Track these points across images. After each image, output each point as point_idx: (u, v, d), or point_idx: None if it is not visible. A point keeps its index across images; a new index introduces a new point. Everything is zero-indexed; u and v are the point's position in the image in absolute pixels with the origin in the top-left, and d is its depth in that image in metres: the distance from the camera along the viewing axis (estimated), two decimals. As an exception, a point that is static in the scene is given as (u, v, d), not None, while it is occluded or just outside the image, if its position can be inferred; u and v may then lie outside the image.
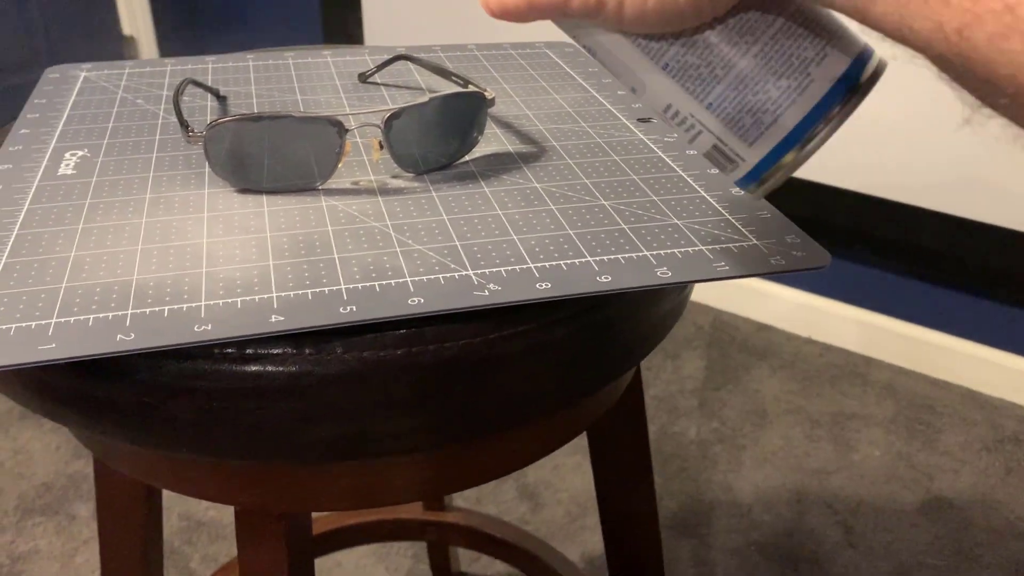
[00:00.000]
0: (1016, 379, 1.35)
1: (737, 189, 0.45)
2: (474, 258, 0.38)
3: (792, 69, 0.32)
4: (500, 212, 0.42)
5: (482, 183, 0.45)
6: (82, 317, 0.34)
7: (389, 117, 0.43)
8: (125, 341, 0.32)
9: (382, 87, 0.58)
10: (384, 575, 1.05)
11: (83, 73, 0.59)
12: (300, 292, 0.36)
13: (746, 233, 0.41)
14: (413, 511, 0.92)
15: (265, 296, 0.35)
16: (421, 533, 0.92)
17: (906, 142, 1.29)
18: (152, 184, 0.44)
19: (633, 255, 0.39)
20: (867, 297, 1.46)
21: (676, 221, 0.42)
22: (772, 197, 0.82)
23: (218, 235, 0.40)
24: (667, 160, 0.48)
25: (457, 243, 0.39)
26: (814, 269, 0.38)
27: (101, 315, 0.34)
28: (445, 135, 0.46)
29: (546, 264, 0.38)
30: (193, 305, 0.35)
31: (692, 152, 0.49)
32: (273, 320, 0.34)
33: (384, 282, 0.36)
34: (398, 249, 0.39)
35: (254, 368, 0.34)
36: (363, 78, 0.59)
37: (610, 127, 0.53)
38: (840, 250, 1.44)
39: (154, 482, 0.43)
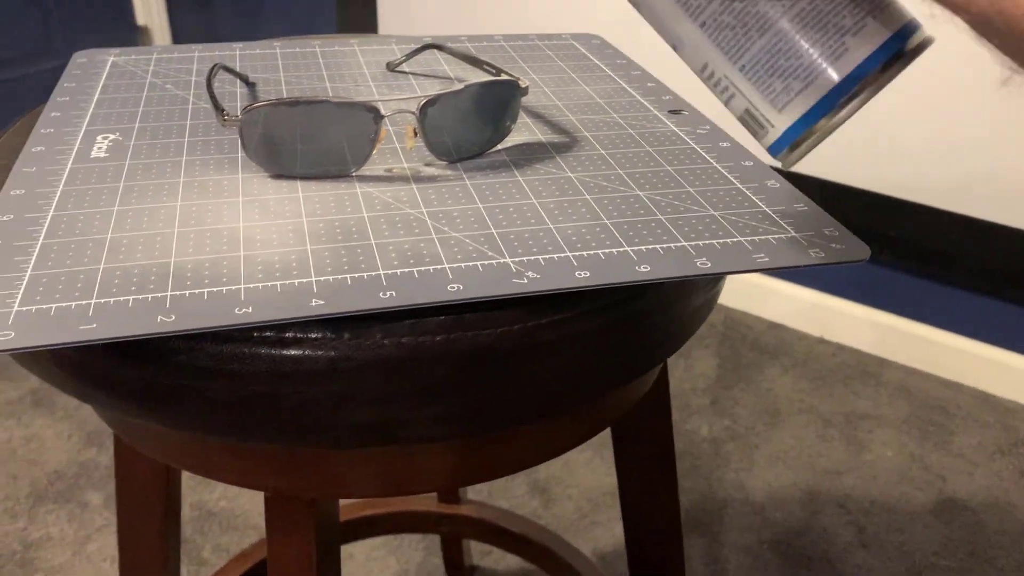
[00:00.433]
0: (1030, 382, 1.34)
1: (773, 181, 0.45)
2: (511, 246, 0.38)
3: (827, 37, 0.31)
4: (535, 201, 0.42)
5: (516, 172, 0.45)
6: (122, 298, 0.34)
7: (424, 104, 0.43)
8: (166, 323, 0.32)
9: (411, 76, 0.58)
10: (396, 567, 1.04)
11: (111, 58, 0.59)
12: (339, 277, 0.35)
13: (784, 225, 0.41)
14: (427, 503, 0.92)
15: (304, 280, 0.35)
16: (436, 526, 0.92)
17: (922, 142, 1.29)
18: (185, 168, 0.44)
19: (671, 245, 0.39)
20: (881, 297, 1.46)
21: (713, 212, 0.42)
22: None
23: (254, 219, 0.40)
24: (701, 152, 0.48)
25: (493, 231, 0.39)
26: (853, 262, 0.38)
27: (140, 296, 0.34)
28: (479, 123, 0.45)
29: (584, 253, 0.38)
30: (233, 288, 0.34)
31: (725, 144, 0.49)
32: (314, 304, 0.34)
33: (422, 268, 0.36)
34: (435, 236, 0.39)
35: (294, 352, 0.34)
36: (391, 67, 0.59)
37: (641, 118, 0.52)
38: (854, 250, 1.43)
39: (182, 466, 0.43)
